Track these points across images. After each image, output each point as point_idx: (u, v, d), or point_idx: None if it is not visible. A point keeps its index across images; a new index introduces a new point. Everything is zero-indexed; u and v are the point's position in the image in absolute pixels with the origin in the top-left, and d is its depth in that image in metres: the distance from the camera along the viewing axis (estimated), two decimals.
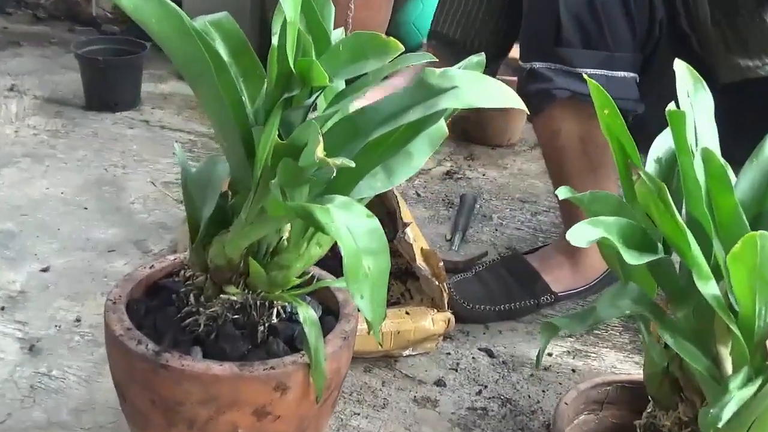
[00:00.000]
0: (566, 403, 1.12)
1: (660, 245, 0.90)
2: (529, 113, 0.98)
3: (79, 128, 2.36)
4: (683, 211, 0.90)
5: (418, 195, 2.18)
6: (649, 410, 1.03)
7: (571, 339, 1.64)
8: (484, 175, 2.34)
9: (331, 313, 1.05)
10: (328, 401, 1.01)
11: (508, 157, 2.48)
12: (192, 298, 0.98)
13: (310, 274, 1.02)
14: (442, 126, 0.91)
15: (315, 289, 1.01)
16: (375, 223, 0.81)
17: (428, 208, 2.13)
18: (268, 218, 0.90)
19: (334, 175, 0.84)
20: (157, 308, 1.01)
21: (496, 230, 2.04)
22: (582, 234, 0.84)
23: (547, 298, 1.69)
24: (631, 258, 0.85)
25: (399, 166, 0.90)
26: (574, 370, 1.55)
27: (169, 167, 2.16)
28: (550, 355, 1.57)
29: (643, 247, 0.88)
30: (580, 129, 1.57)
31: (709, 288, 0.86)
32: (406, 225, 1.51)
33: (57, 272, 1.67)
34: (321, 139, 0.76)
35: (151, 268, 1.08)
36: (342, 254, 0.77)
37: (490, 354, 1.57)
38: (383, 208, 1.65)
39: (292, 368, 0.94)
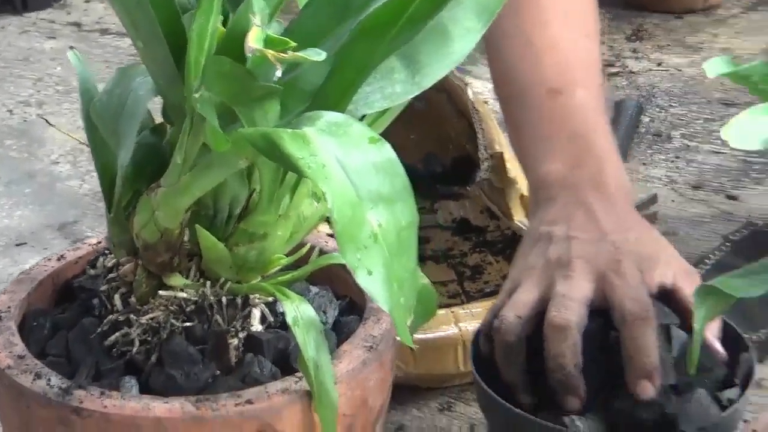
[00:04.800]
0: None
1: None
2: None
3: None
4: None
5: None
6: None
7: None
8: (659, 65, 1.74)
9: (357, 310, 0.82)
10: None
11: (705, 29, 1.86)
12: (117, 301, 0.74)
13: (307, 247, 0.77)
14: None
15: (315, 268, 0.76)
16: (385, 150, 0.63)
17: None
18: (217, 158, 0.68)
19: (323, 81, 0.64)
20: (69, 322, 0.79)
21: (677, 158, 1.45)
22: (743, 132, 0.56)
23: None
24: None
25: (428, 55, 0.68)
26: None
27: None
28: None
29: None
30: None
31: None
32: (492, 157, 1.12)
33: None
34: (256, 18, 0.59)
35: (60, 260, 0.86)
36: (329, 207, 0.59)
37: None
38: (448, 127, 1.24)
39: (283, 401, 0.70)
